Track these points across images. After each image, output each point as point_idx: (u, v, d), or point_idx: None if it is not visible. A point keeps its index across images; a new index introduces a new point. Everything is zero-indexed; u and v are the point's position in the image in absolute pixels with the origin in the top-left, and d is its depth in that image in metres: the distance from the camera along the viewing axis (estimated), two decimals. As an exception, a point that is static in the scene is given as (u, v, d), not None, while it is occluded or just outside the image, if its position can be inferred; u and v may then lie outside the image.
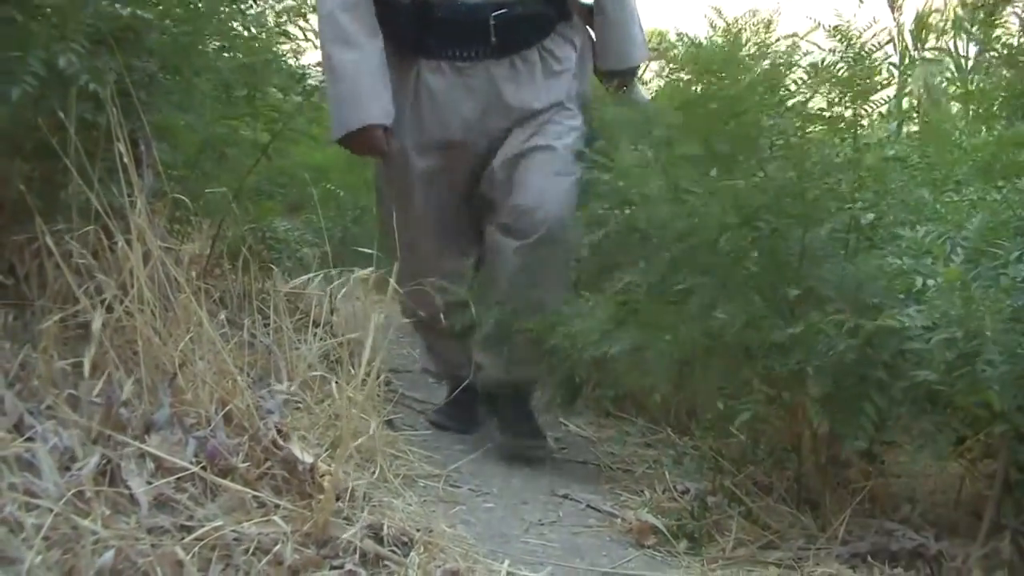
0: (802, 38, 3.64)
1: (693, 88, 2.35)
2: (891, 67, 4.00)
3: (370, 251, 2.57)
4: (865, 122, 2.27)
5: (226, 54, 2.94)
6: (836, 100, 2.21)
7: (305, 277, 2.48)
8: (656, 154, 2.50)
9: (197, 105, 2.71)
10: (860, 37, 2.28)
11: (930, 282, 1.88)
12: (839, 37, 2.28)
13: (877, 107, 2.32)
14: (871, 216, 2.22)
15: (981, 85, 3.55)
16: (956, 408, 2.03)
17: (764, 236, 2.19)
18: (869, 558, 2.10)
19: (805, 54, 2.27)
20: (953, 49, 4.20)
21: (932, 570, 2.06)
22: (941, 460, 2.32)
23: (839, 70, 2.22)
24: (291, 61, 3.36)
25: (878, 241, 2.21)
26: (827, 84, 2.21)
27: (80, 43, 2.10)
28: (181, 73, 2.57)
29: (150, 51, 2.40)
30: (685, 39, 3.09)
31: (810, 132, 2.20)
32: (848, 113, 2.24)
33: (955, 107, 3.65)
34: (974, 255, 1.99)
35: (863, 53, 2.25)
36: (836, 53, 2.27)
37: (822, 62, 2.28)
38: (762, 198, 2.18)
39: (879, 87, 2.30)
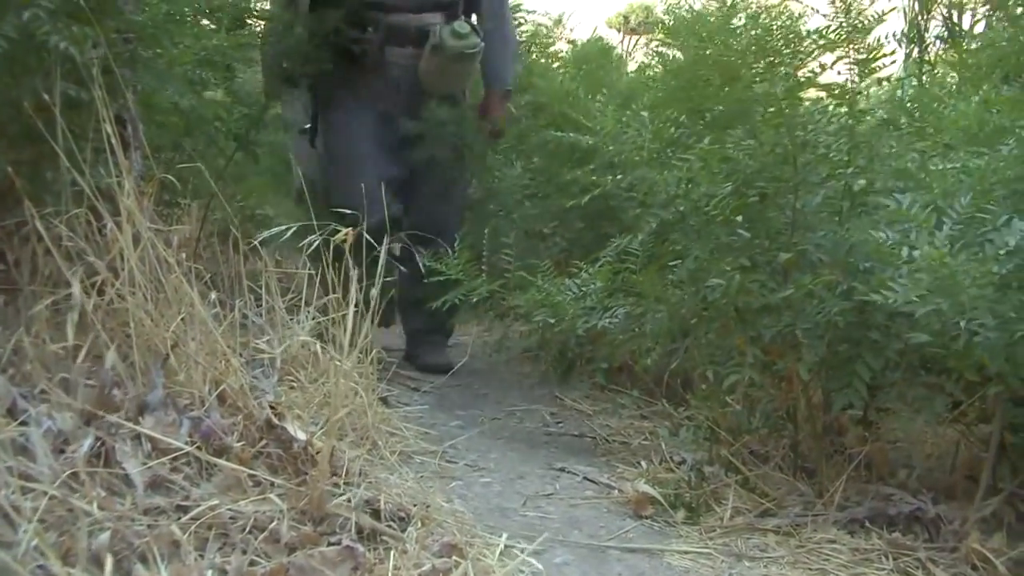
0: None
1: (683, 55, 2.35)
2: (897, 37, 3.97)
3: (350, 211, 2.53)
4: (862, 87, 2.27)
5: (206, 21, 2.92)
6: (829, 66, 2.21)
7: (277, 229, 2.42)
8: (646, 119, 2.50)
9: (179, 80, 2.69)
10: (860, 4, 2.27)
11: (916, 253, 1.86)
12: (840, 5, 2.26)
13: (875, 75, 2.31)
14: (862, 182, 2.21)
15: (974, 48, 3.54)
16: (950, 372, 2.03)
17: (755, 202, 2.19)
18: (867, 523, 2.11)
19: (799, 17, 2.24)
20: (955, 18, 4.17)
21: (930, 534, 2.07)
22: (936, 424, 2.33)
23: (838, 36, 2.20)
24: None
25: (870, 207, 2.21)
26: (824, 51, 2.20)
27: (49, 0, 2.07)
28: (161, 45, 2.54)
29: (129, 22, 2.38)
30: (676, 7, 3.09)
31: (803, 100, 2.19)
32: (842, 79, 2.23)
33: (950, 74, 3.63)
34: (962, 223, 1.98)
35: (861, 23, 2.24)
36: (834, 19, 2.25)
37: (824, 29, 2.25)
38: (754, 164, 2.17)
39: (880, 57, 2.28)
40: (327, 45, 3.47)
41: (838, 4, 2.24)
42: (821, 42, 2.18)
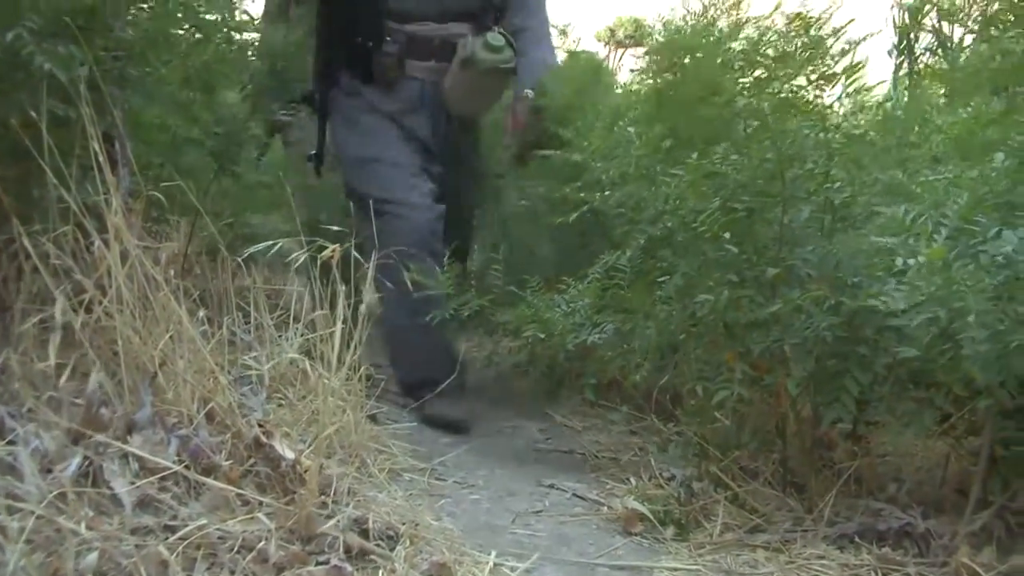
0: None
1: (667, 72, 2.35)
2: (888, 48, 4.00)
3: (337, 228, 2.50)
4: (834, 104, 2.28)
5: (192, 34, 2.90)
6: (802, 85, 2.21)
7: (263, 245, 2.38)
8: (632, 136, 2.52)
9: (167, 98, 2.68)
10: (819, 21, 2.27)
11: (911, 262, 1.86)
12: (799, 24, 2.27)
13: (845, 90, 2.32)
14: (845, 194, 2.21)
15: (962, 65, 3.55)
16: (939, 385, 2.04)
17: (743, 217, 2.20)
18: (857, 538, 2.11)
19: (789, 33, 2.25)
20: (944, 28, 4.18)
21: (920, 548, 2.06)
22: (925, 438, 2.33)
23: (799, 55, 2.21)
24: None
25: (855, 221, 2.21)
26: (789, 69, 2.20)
27: (33, 20, 2.07)
28: (149, 63, 2.52)
29: (118, 40, 2.37)
30: (661, 24, 3.10)
31: (783, 115, 2.19)
32: (813, 96, 2.24)
33: (939, 88, 3.64)
34: (955, 233, 1.99)
35: (819, 39, 2.24)
36: (793, 37, 2.25)
37: (793, 49, 2.26)
38: (741, 179, 2.18)
39: (849, 72, 2.28)
40: (338, 59, 3.26)
41: (796, 23, 2.25)
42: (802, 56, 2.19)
